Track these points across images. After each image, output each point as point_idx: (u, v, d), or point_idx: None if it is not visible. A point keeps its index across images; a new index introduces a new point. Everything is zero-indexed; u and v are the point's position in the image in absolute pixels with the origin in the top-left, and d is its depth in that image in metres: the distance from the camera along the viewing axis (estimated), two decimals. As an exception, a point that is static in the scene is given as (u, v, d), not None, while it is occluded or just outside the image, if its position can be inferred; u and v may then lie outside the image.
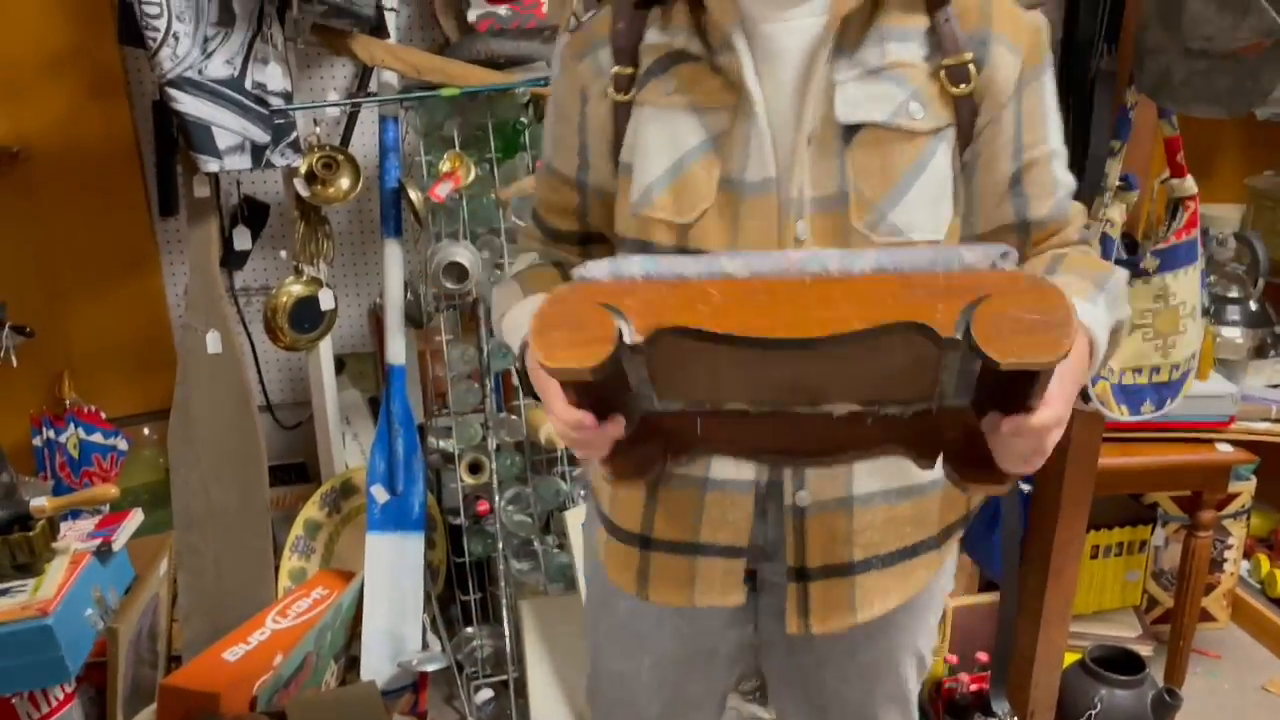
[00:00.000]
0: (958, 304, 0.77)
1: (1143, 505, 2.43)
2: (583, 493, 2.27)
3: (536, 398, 1.00)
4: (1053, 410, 0.82)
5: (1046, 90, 1.04)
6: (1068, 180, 1.06)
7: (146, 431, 2.66)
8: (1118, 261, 1.45)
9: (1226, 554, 2.44)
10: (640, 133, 1.03)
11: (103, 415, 2.55)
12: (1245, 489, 2.41)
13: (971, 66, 0.98)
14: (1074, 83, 1.42)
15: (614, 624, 1.24)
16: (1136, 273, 1.46)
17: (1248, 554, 2.58)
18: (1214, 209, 2.74)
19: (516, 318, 1.09)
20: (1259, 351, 2.13)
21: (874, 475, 1.06)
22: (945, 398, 0.89)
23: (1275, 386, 2.15)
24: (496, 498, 2.25)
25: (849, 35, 0.99)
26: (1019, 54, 1.00)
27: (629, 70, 1.04)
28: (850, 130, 0.97)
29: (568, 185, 1.13)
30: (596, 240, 1.17)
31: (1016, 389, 0.82)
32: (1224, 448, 2.03)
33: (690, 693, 1.26)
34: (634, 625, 1.22)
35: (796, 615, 1.10)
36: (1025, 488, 1.80)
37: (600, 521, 1.19)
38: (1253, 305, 2.14)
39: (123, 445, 2.58)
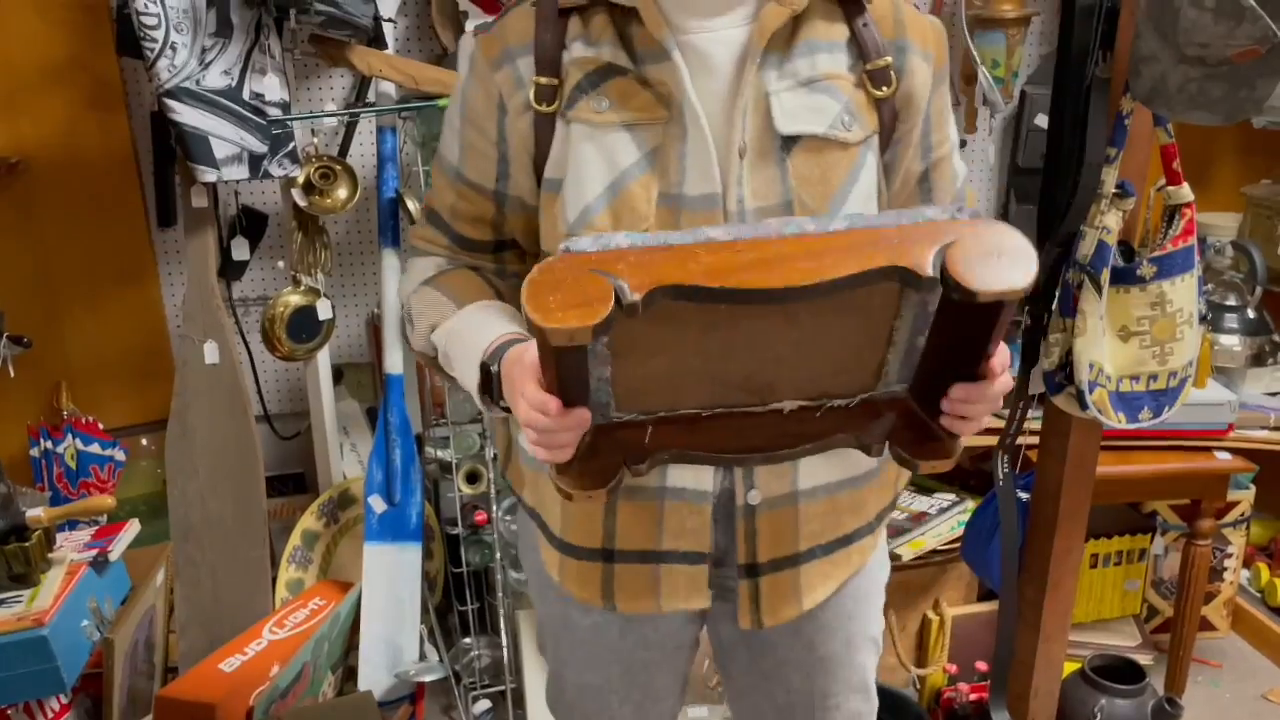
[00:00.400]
0: (930, 248, 0.84)
1: (1142, 514, 2.43)
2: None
3: (502, 408, 1.00)
4: (1000, 360, 0.91)
5: (946, 89, 1.10)
6: (963, 169, 1.14)
7: (144, 442, 2.65)
8: (1114, 269, 1.45)
9: (1226, 563, 2.44)
10: (574, 152, 1.02)
11: (100, 426, 2.54)
12: (1245, 497, 2.41)
13: (892, 71, 1.03)
14: (1069, 91, 1.42)
15: (576, 639, 1.25)
16: (1133, 280, 1.46)
17: (1247, 562, 2.58)
18: (1211, 217, 2.75)
19: (462, 332, 1.05)
20: (1257, 359, 2.12)
21: (817, 469, 1.09)
22: (888, 383, 0.97)
23: (1273, 394, 2.15)
24: (494, 507, 2.25)
25: (776, 45, 1.01)
26: (930, 61, 1.06)
27: (552, 81, 1.02)
28: (789, 141, 0.99)
29: (483, 195, 1.11)
30: (510, 247, 1.15)
31: (964, 354, 0.91)
32: (1222, 456, 2.03)
33: (657, 686, 1.29)
34: (599, 639, 1.23)
35: (748, 611, 1.14)
36: (1023, 496, 1.80)
37: (551, 544, 1.19)
38: (1250, 313, 2.14)
39: (120, 456, 2.58)
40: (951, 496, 2.28)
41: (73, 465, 2.50)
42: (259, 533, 2.23)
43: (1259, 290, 2.14)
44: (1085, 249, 1.42)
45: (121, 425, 2.59)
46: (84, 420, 2.53)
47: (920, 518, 2.22)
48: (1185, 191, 1.45)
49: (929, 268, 0.83)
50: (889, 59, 1.03)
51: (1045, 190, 1.50)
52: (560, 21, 1.03)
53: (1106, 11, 1.35)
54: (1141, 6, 1.30)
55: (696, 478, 1.09)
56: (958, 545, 2.11)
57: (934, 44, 1.08)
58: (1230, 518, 2.41)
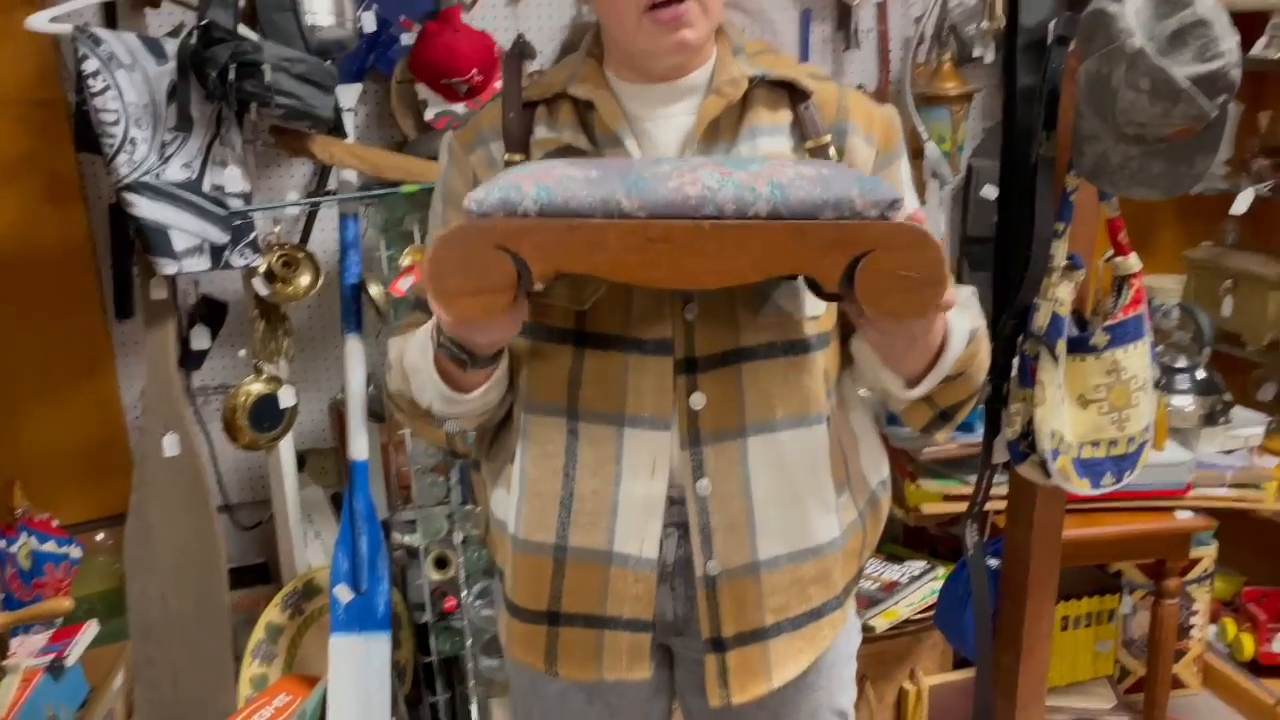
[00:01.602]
0: (844, 257, 0.85)
1: (1108, 574, 2.45)
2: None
3: (453, 352, 1.04)
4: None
5: (903, 173, 1.18)
6: None
7: (100, 537, 2.59)
8: (1070, 339, 1.49)
9: (1193, 620, 2.46)
10: None
11: (55, 523, 2.48)
12: (1207, 554, 2.44)
13: (832, 150, 1.10)
14: (1017, 168, 1.47)
15: (546, 709, 1.28)
16: (1087, 349, 1.50)
17: (1214, 619, 2.60)
18: (1156, 280, 2.82)
19: (419, 338, 1.13)
20: (1210, 419, 2.18)
21: (776, 539, 1.12)
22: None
23: (1228, 452, 2.19)
24: (464, 592, 2.22)
25: (723, 132, 1.09)
26: (873, 143, 1.13)
27: (519, 157, 1.12)
28: None
29: None
30: None
31: None
32: (1183, 514, 2.06)
33: None
34: (566, 706, 1.25)
35: (717, 686, 1.14)
36: (993, 563, 1.81)
37: (505, 607, 1.22)
38: (1200, 374, 2.20)
39: (76, 553, 2.51)
40: (922, 564, 2.29)
41: (26, 565, 2.43)
42: (221, 629, 2.18)
43: (1207, 351, 2.20)
44: (1040, 321, 1.46)
45: (77, 522, 2.53)
46: (38, 518, 2.47)
47: (891, 587, 2.23)
48: (1133, 262, 1.50)
49: (836, 284, 0.86)
50: (828, 139, 1.10)
51: (999, 265, 1.54)
52: (527, 111, 1.14)
53: (1047, 94, 1.40)
54: (1081, 89, 1.36)
55: (642, 544, 1.11)
56: (931, 614, 2.11)
57: (879, 128, 1.15)
58: (1194, 574, 2.44)
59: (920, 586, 2.22)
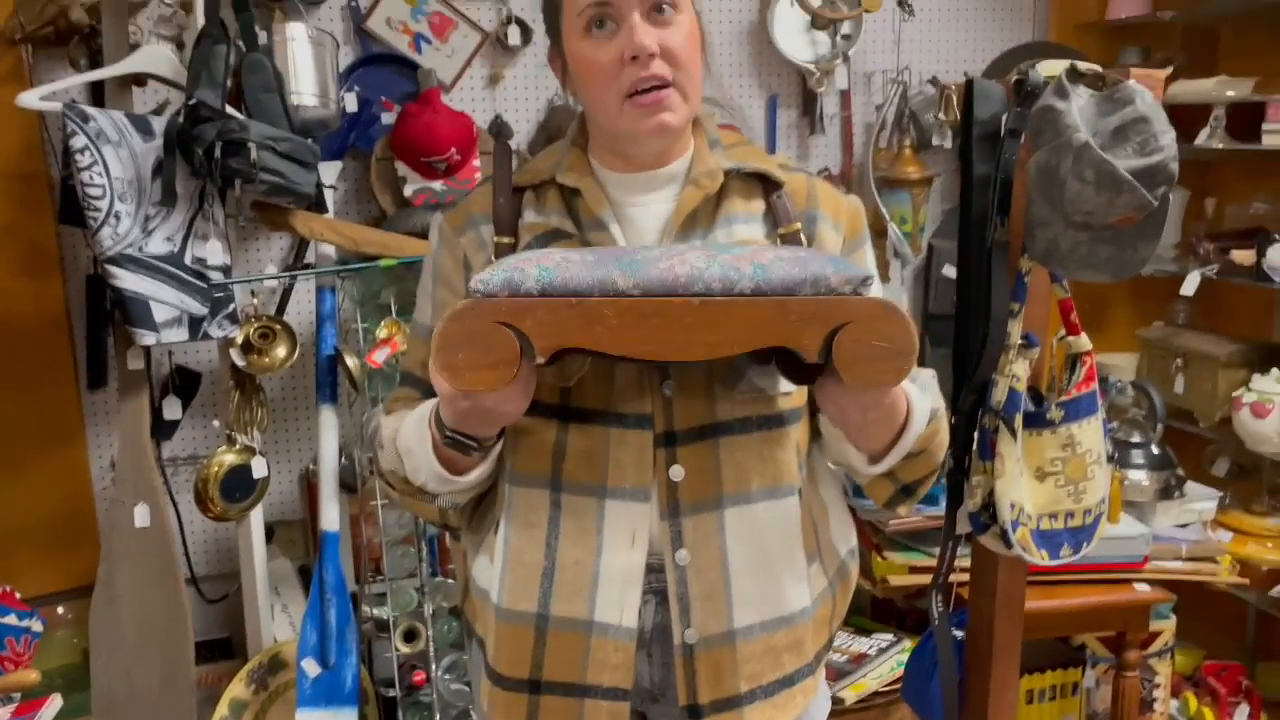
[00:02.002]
0: (823, 330, 0.93)
1: (1072, 648, 2.48)
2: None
3: (451, 439, 1.08)
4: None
5: (869, 259, 1.24)
6: None
7: (61, 611, 2.55)
8: (1026, 414, 1.55)
9: (1156, 693, 2.49)
10: None
11: (17, 596, 2.44)
12: (1167, 627, 2.48)
13: (803, 236, 1.17)
14: (973, 251, 1.54)
15: None
16: (1044, 424, 1.56)
17: (1175, 692, 2.63)
18: (1110, 358, 2.93)
19: (414, 412, 1.16)
20: (1164, 493, 2.24)
21: (751, 608, 1.16)
22: None
23: (1183, 526, 2.25)
24: (433, 666, 2.21)
25: (701, 220, 1.16)
26: (840, 230, 1.20)
27: (509, 240, 1.17)
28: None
29: None
30: None
31: None
32: (1142, 587, 2.11)
33: None
34: None
35: None
36: (959, 634, 1.84)
37: (486, 675, 1.23)
38: (1154, 449, 2.27)
39: (38, 627, 2.46)
40: (889, 637, 2.32)
41: (-14, 638, 2.39)
42: (186, 705, 2.15)
43: (1160, 427, 2.28)
44: (998, 396, 1.52)
45: (39, 594, 2.49)
46: (1, 590, 2.43)
47: (860, 659, 2.25)
48: (1084, 341, 1.57)
49: (816, 354, 0.93)
50: (799, 225, 1.17)
51: (958, 342, 1.61)
52: (516, 196, 1.20)
53: (1000, 182, 1.48)
54: (1031, 179, 1.44)
55: (622, 614, 1.13)
56: (899, 686, 2.13)
57: (846, 217, 1.22)
58: (1154, 648, 2.47)
59: (888, 659, 2.24)
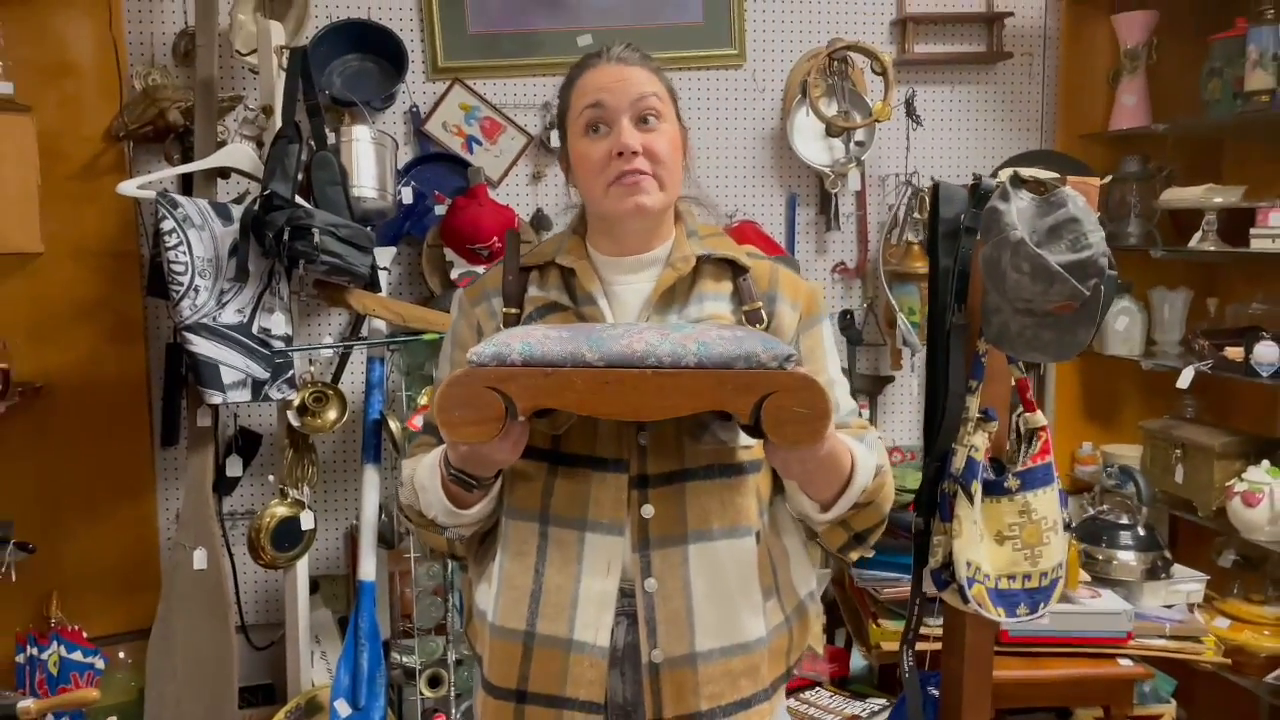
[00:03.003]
0: (753, 398, 1.13)
1: (1069, 727, 2.55)
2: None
3: (458, 478, 1.30)
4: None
5: (824, 334, 1.43)
6: (848, 402, 1.44)
7: (122, 655, 2.76)
8: (985, 482, 1.71)
9: (1157, 778, 2.53)
10: None
11: (84, 634, 2.67)
12: (1166, 711, 2.54)
13: (763, 312, 1.37)
14: (937, 335, 1.73)
15: None
16: (1002, 491, 1.71)
17: (1181, 780, 2.67)
18: (1118, 449, 3.05)
19: (428, 462, 1.38)
20: (1151, 573, 2.34)
21: (711, 634, 1.32)
22: None
23: (1169, 607, 2.34)
24: (454, 710, 2.37)
25: (678, 296, 1.38)
26: (797, 309, 1.40)
27: (515, 311, 1.40)
28: None
29: None
30: None
31: None
32: (1125, 662, 2.20)
33: None
34: None
35: None
36: (934, 692, 1.96)
37: (481, 686, 1.40)
38: (1141, 530, 2.38)
39: (100, 664, 2.69)
40: (883, 701, 2.42)
41: (54, 672, 2.61)
42: (229, 737, 2.33)
43: (1145, 510, 2.39)
44: (957, 463, 1.68)
45: (103, 634, 2.72)
46: (70, 628, 2.67)
47: (852, 720, 2.36)
48: (1039, 417, 1.73)
49: (748, 415, 1.13)
50: (760, 304, 1.38)
51: (927, 416, 1.78)
52: (523, 274, 1.44)
53: (958, 273, 1.68)
54: (982, 269, 1.63)
55: (597, 633, 1.31)
56: (889, 749, 2.24)
57: (804, 298, 1.42)
58: (1155, 731, 2.53)
59: (879, 722, 2.35)
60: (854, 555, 1.42)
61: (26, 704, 1.94)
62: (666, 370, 1.14)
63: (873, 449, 1.37)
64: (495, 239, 2.66)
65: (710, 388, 1.13)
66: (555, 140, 2.83)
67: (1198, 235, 2.72)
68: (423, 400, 2.45)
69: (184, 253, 2.21)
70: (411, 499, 1.40)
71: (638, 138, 1.33)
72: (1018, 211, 1.55)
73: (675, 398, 1.14)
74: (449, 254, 2.73)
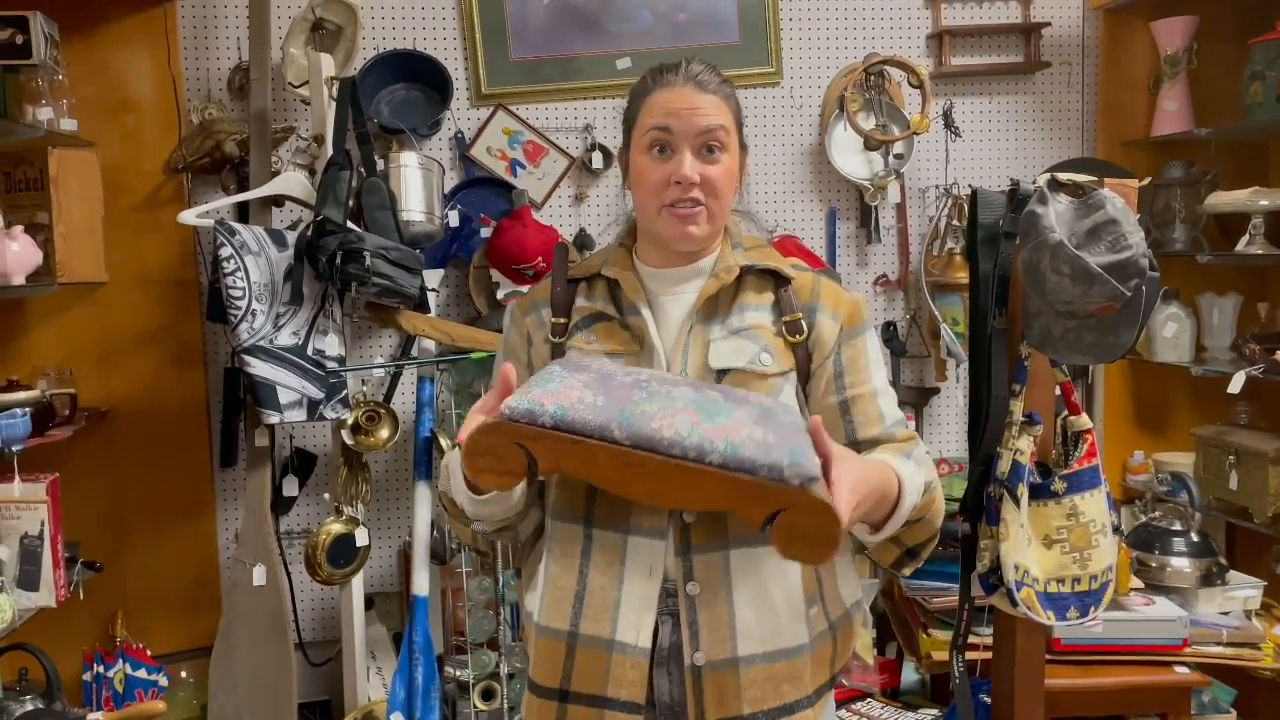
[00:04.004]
0: (768, 509, 1.12)
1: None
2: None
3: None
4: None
5: (867, 345, 1.43)
6: (894, 412, 1.43)
7: (184, 674, 2.83)
8: (1031, 486, 1.71)
9: (1217, 789, 2.49)
10: None
11: (148, 652, 2.75)
12: (1227, 721, 2.51)
13: (804, 323, 1.39)
14: (979, 341, 1.74)
15: None
16: (1049, 495, 1.71)
17: (1244, 791, 2.62)
18: (1169, 456, 3.01)
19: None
20: (1206, 580, 2.31)
21: (753, 639, 1.33)
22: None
23: (1225, 613, 2.31)
24: (507, 722, 2.41)
25: (721, 306, 1.41)
26: (839, 320, 1.41)
27: (563, 320, 1.44)
28: (721, 372, 1.36)
29: None
30: None
31: None
32: (1181, 670, 2.18)
33: None
34: None
35: None
36: (986, 699, 1.96)
37: (528, 687, 1.42)
38: (1194, 537, 2.35)
39: (163, 681, 2.76)
40: (934, 711, 2.41)
41: (120, 689, 2.69)
42: (290, 750, 2.39)
43: (1198, 516, 2.36)
44: (1002, 467, 1.69)
45: (167, 652, 2.80)
46: (134, 646, 2.74)
47: (904, 731, 2.35)
48: (1084, 420, 1.73)
49: (759, 525, 1.12)
50: (800, 315, 1.40)
51: (971, 421, 1.79)
52: (571, 286, 1.49)
53: (998, 278, 1.69)
54: (1022, 274, 1.64)
55: (638, 635, 1.33)
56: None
57: (846, 309, 1.43)
58: (1215, 742, 2.49)
59: (931, 733, 2.34)
60: (907, 570, 1.43)
61: (96, 717, 2.01)
62: (689, 464, 1.12)
63: (921, 465, 1.37)
64: (539, 259, 2.71)
65: (728, 492, 1.12)
66: (596, 162, 2.91)
67: (1245, 239, 2.70)
68: (472, 417, 2.49)
69: (241, 278, 2.29)
70: (446, 485, 1.43)
71: (697, 169, 1.37)
72: (1056, 215, 1.57)
73: (694, 493, 1.14)
74: (495, 275, 2.79)
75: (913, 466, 1.34)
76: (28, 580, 2.30)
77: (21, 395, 2.34)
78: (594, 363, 1.30)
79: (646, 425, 1.14)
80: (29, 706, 2.21)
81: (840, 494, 1.13)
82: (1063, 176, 1.62)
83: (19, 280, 2.23)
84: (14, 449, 2.19)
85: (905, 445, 1.40)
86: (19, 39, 2.30)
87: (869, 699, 2.53)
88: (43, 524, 2.29)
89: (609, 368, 1.28)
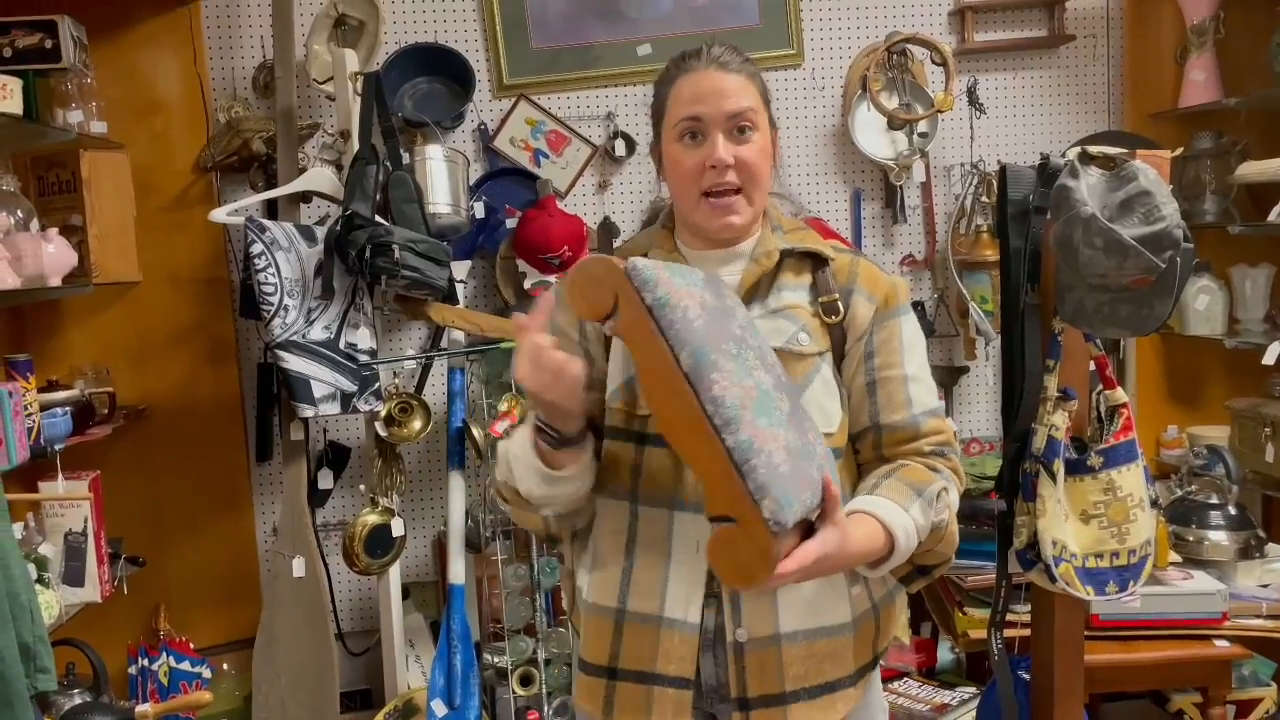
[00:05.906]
0: (728, 510, 1.13)
1: (1169, 714, 2.51)
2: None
3: (548, 432, 1.31)
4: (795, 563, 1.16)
5: (902, 328, 1.41)
6: (924, 400, 1.40)
7: (225, 666, 2.87)
8: (1068, 461, 1.71)
9: (1259, 762, 2.48)
10: (612, 355, 1.42)
11: (191, 645, 2.80)
12: (1268, 694, 2.49)
13: (840, 304, 1.39)
14: (1011, 316, 1.73)
15: None
16: (1085, 470, 1.71)
17: (1284, 764, 2.61)
18: (1203, 430, 2.99)
19: (519, 436, 1.39)
20: (1244, 553, 2.30)
21: (795, 616, 1.34)
22: None
23: (1265, 586, 2.30)
24: (545, 708, 2.43)
25: (760, 287, 1.41)
26: (874, 302, 1.41)
27: None
28: None
29: None
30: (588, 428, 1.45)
31: None
32: (1221, 643, 2.17)
33: None
34: None
35: None
36: (1025, 676, 1.96)
37: (577, 665, 1.44)
38: (1232, 510, 2.34)
39: (207, 673, 2.81)
40: (971, 689, 2.41)
41: (165, 682, 2.74)
42: (333, 739, 2.42)
43: (1235, 489, 2.35)
44: (1038, 443, 1.69)
45: (209, 645, 2.84)
46: (178, 639, 2.79)
47: (942, 709, 2.35)
48: (1120, 394, 1.72)
49: (710, 517, 1.14)
50: (837, 295, 1.40)
51: (1004, 397, 1.78)
52: None
53: (1030, 253, 1.68)
54: (1054, 248, 1.63)
55: (686, 610, 1.34)
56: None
57: (883, 291, 1.43)
58: (1255, 716, 2.48)
59: (968, 710, 2.33)
60: (914, 587, 1.43)
61: (144, 709, 2.04)
62: (708, 426, 1.14)
63: (932, 505, 1.32)
64: (565, 249, 2.72)
65: (715, 471, 1.13)
66: (619, 150, 2.91)
67: (1277, 209, 2.67)
68: (503, 407, 2.51)
69: (273, 274, 2.31)
70: (506, 475, 1.41)
71: (731, 150, 1.37)
72: (1088, 188, 1.56)
73: (690, 446, 1.16)
74: (522, 265, 2.80)
75: (918, 511, 1.30)
76: (73, 576, 2.34)
77: (62, 395, 2.38)
78: (729, 297, 1.30)
79: (710, 373, 1.15)
80: (77, 700, 2.25)
81: (791, 560, 1.14)
82: (1094, 149, 1.61)
83: (55, 282, 2.27)
84: (56, 448, 2.23)
85: (930, 464, 1.37)
86: (48, 43, 2.32)
87: (905, 678, 2.54)
88: (86, 521, 2.33)
89: (735, 310, 1.28)
